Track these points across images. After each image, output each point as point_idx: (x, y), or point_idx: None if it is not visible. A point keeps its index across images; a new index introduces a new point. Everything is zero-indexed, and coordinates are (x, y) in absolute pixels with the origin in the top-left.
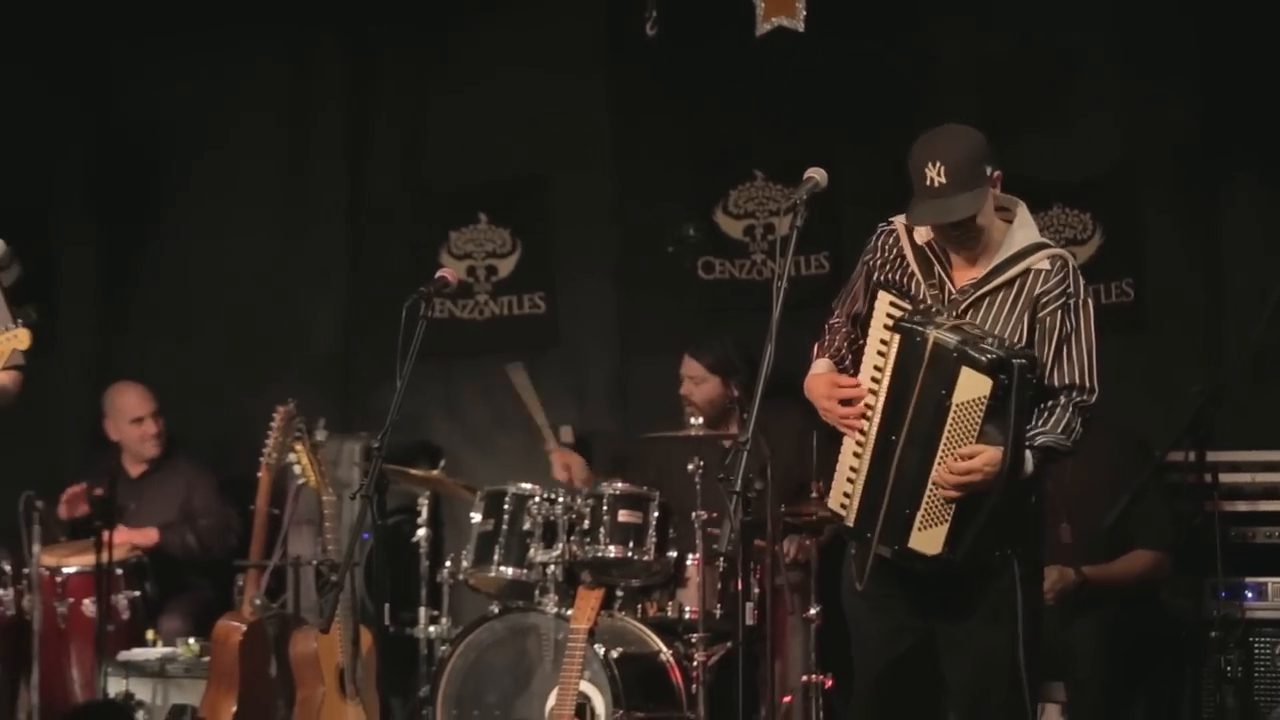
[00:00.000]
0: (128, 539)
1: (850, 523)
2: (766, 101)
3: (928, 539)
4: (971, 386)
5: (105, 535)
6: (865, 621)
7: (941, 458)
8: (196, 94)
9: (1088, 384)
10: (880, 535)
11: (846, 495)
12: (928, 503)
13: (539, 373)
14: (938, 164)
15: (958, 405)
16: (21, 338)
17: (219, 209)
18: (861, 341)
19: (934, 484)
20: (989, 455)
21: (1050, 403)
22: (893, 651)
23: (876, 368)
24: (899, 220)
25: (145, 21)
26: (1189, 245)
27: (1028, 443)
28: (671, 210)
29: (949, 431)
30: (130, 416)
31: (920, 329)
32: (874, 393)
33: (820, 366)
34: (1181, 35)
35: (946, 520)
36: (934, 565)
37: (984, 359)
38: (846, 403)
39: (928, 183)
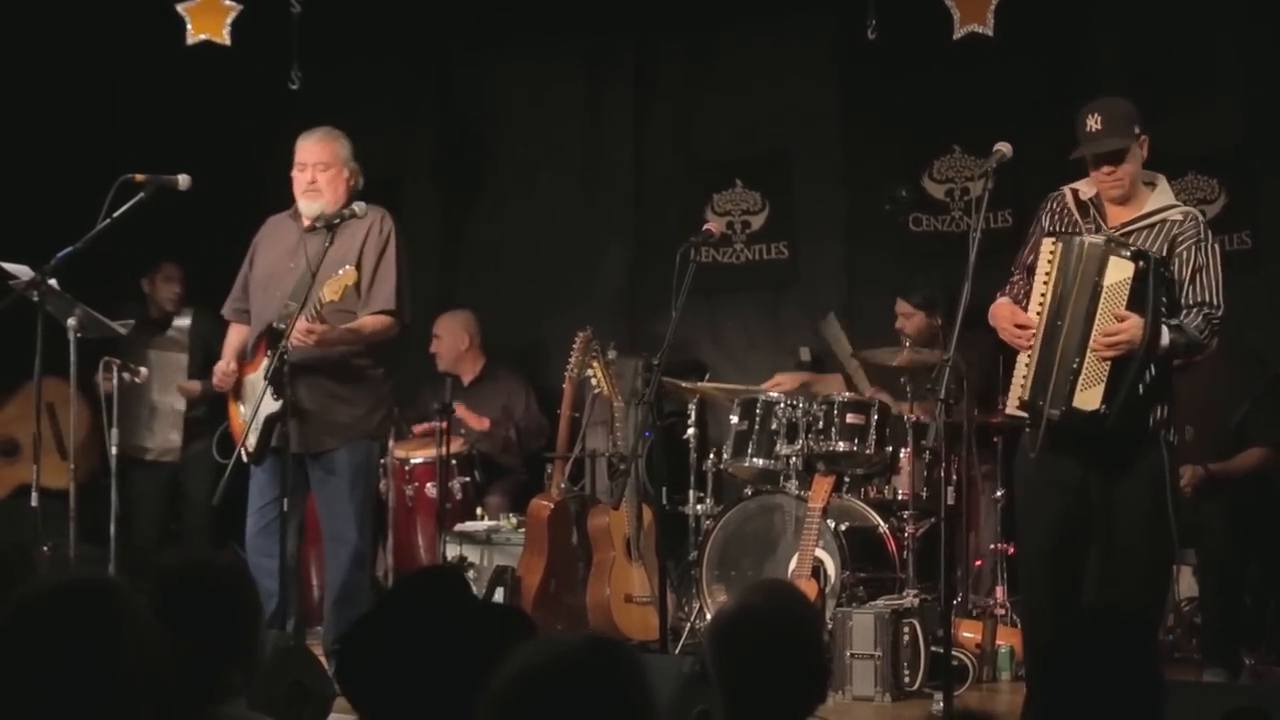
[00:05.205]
0: (466, 415)
1: (1025, 397)
2: (962, 90)
3: (1088, 397)
4: (1117, 270)
5: (444, 428)
6: (1034, 487)
7: (1096, 329)
8: (515, 86)
9: (1216, 301)
10: (1050, 400)
11: (1020, 398)
12: (1087, 367)
13: (783, 306)
14: (1096, 115)
15: (1108, 287)
16: (350, 274)
17: (533, 175)
18: (1029, 287)
19: (1091, 350)
20: (1134, 321)
21: (1188, 311)
22: (1058, 507)
23: (1045, 275)
24: (1066, 189)
25: (477, 33)
26: None
27: (1165, 322)
28: (887, 177)
29: (1102, 308)
30: None
31: (1077, 235)
32: (1042, 296)
33: (1002, 301)
34: None
35: (1102, 381)
36: (1094, 422)
37: (1127, 249)
38: (1021, 328)
39: (1087, 129)
